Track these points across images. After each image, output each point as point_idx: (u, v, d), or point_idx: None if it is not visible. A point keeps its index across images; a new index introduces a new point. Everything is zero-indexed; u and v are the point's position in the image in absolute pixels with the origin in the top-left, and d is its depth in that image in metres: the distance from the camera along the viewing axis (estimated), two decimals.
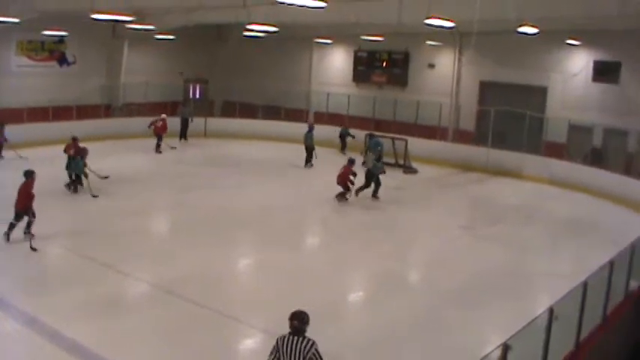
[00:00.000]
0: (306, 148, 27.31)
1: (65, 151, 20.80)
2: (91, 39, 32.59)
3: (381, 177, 21.89)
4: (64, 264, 15.06)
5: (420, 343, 11.55)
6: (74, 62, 32.76)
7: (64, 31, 30.50)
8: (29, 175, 15.77)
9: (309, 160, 27.15)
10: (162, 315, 12.22)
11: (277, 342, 7.61)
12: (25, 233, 15.43)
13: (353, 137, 30.80)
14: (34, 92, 29.40)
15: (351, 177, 21.07)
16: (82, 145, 20.74)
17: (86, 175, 20.20)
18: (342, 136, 31.26)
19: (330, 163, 25.45)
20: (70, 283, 13.47)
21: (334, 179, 21.05)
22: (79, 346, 10.59)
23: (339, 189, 21.04)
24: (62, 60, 32.44)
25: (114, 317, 11.89)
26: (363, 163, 28.11)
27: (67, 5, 24.65)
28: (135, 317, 12.23)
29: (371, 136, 28.02)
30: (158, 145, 28.56)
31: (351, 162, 21.61)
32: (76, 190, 20.30)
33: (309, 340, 7.47)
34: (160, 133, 28.58)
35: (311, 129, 27.53)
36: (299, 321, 7.62)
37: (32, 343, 10.73)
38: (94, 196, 19.78)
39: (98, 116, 31.25)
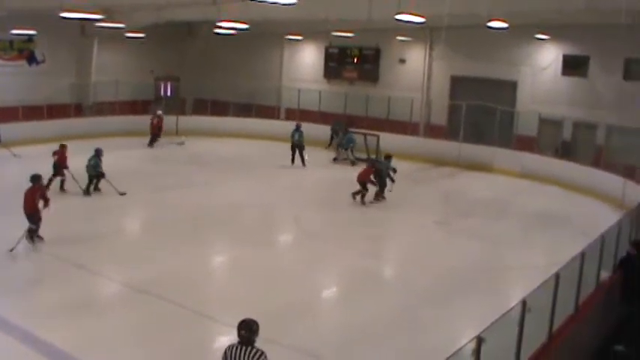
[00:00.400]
0: (294, 147, 26.75)
1: (53, 154, 20.66)
2: (60, 37, 32.19)
3: (353, 170, 22.10)
4: (37, 265, 14.94)
5: (395, 341, 11.59)
6: (43, 61, 32.42)
7: (33, 29, 30.08)
8: (35, 180, 15.60)
9: (301, 158, 26.65)
10: (137, 315, 12.18)
11: (225, 352, 7.16)
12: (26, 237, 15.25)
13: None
14: (3, 92, 29.00)
15: (372, 177, 20.97)
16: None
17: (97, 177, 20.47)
18: (335, 132, 31.05)
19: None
20: (43, 284, 13.43)
21: (307, 176, 21.08)
22: (54, 348, 10.52)
23: (311, 187, 21.05)
24: (31, 59, 32.09)
25: (88, 318, 11.83)
26: (335, 160, 28.24)
27: (35, 3, 24.41)
28: (109, 318, 12.17)
29: (345, 131, 28.17)
30: (152, 141, 29.58)
31: (372, 162, 22.08)
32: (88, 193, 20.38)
33: (257, 350, 7.05)
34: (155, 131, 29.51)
35: (299, 127, 27.18)
36: (247, 330, 7.13)
37: (6, 345, 10.64)
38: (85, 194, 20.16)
39: (68, 115, 30.96)
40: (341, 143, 28.60)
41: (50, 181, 20.04)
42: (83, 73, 33.86)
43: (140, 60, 36.41)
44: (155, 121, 29.08)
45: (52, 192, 19.56)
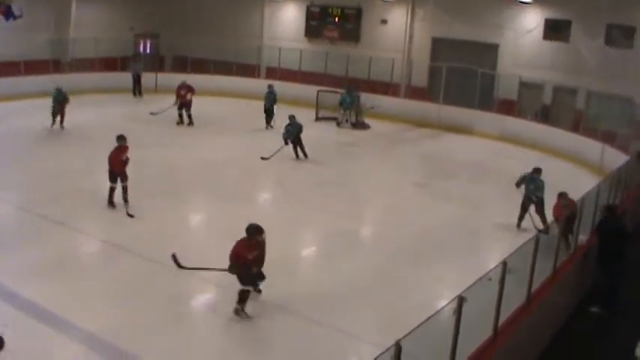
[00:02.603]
0: (267, 111, 26.46)
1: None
2: None
3: (336, 131, 22.03)
4: (16, 223, 14.90)
5: (375, 300, 11.70)
6: (21, 16, 31.65)
7: None
8: (121, 140, 15.92)
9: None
10: (118, 272, 12.22)
11: None
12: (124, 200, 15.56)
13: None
14: None
15: None
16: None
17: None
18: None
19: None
20: (23, 241, 13.35)
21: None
22: (35, 306, 10.54)
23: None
24: (8, 14, 31.22)
25: (69, 275, 11.85)
26: (339, 124, 28.09)
27: None
28: (90, 274, 12.21)
29: (350, 92, 28.12)
30: (180, 116, 26.08)
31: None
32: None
33: None
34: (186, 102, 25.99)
35: (271, 88, 26.90)
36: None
37: None
38: None
39: (47, 72, 30.53)
40: (343, 103, 28.32)
41: None
42: (62, 28, 33.24)
43: (119, 16, 35.79)
44: (183, 93, 26.07)
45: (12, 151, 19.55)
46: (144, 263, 12.58)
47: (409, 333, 6.33)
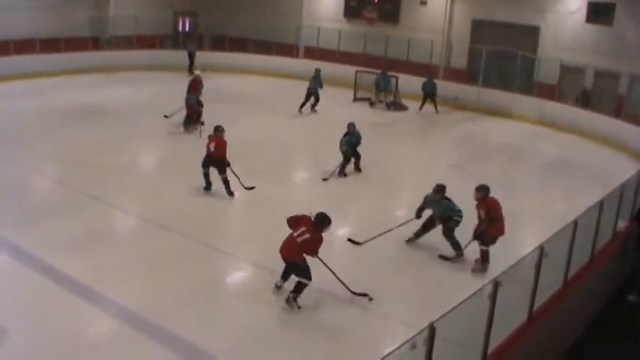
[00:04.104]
0: (309, 94, 25.81)
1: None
2: None
3: (371, 112, 21.72)
4: (53, 196, 15.09)
5: (409, 281, 11.67)
6: None
7: None
8: (218, 131, 15.66)
9: (312, 104, 25.63)
10: (153, 248, 12.30)
11: None
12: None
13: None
14: (21, 25, 28.47)
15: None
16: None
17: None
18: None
19: (326, 99, 25.44)
20: (59, 215, 13.50)
21: (326, 115, 20.85)
22: (69, 279, 10.66)
23: (329, 125, 20.86)
24: None
25: (104, 249, 11.97)
26: (372, 104, 28.01)
27: None
28: (124, 249, 12.32)
29: (384, 74, 28.00)
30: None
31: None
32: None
33: None
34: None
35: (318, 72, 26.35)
36: None
37: (21, 274, 10.77)
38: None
39: (86, 49, 30.81)
40: (378, 85, 28.22)
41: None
42: (101, 6, 33.42)
43: None
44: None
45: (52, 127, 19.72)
46: (179, 239, 12.63)
47: (443, 315, 6.29)
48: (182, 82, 28.86)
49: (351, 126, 18.17)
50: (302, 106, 25.49)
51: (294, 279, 10.35)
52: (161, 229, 13.06)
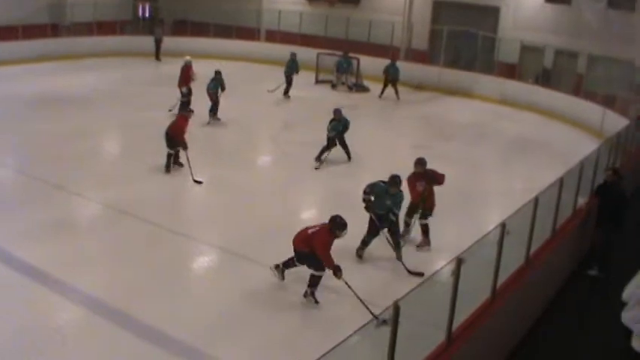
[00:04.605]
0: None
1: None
2: None
3: (333, 94, 21.69)
4: (15, 186, 14.90)
5: (373, 261, 11.72)
6: None
7: None
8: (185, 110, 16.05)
9: (285, 90, 25.39)
10: (117, 235, 12.25)
11: None
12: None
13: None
14: None
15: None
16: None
17: None
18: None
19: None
20: (21, 205, 13.38)
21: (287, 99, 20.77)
22: (34, 268, 10.59)
23: (291, 108, 20.82)
24: None
25: (68, 238, 11.90)
26: (334, 86, 28.04)
27: None
28: (89, 237, 12.27)
29: (346, 56, 28.00)
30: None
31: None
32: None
33: None
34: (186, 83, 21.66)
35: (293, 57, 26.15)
36: None
37: None
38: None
39: (45, 36, 30.39)
40: (340, 68, 28.21)
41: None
42: None
43: None
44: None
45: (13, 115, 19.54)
46: (143, 225, 12.60)
47: (407, 294, 6.35)
48: (144, 68, 28.82)
49: (337, 112, 17.60)
50: (286, 92, 25.32)
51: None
52: (125, 215, 13.00)
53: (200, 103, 20.12)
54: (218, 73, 20.78)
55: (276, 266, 10.48)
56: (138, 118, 20.39)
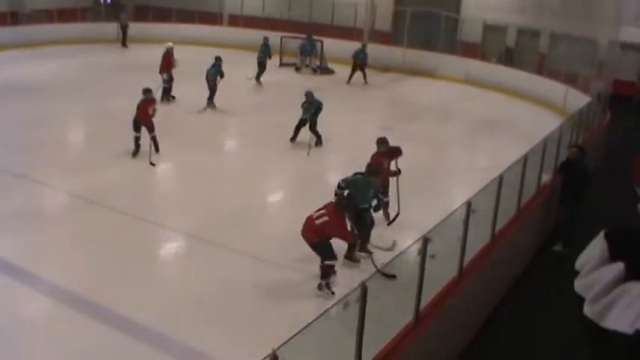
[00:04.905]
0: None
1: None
2: None
3: (298, 77, 21.72)
4: None
5: (342, 244, 11.75)
6: None
7: None
8: (148, 92, 15.91)
9: (257, 75, 25.13)
10: (84, 224, 12.13)
11: None
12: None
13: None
14: None
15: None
16: None
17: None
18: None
19: (252, 66, 25.19)
20: None
21: (252, 81, 20.66)
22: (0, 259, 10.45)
23: (256, 92, 20.75)
24: None
25: (34, 228, 11.73)
26: (298, 69, 28.00)
27: None
28: (56, 227, 12.11)
29: (309, 39, 27.94)
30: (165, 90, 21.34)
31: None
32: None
33: None
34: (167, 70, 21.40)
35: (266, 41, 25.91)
36: None
37: None
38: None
39: (5, 24, 29.92)
40: (304, 51, 28.18)
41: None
42: None
43: None
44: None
45: None
46: (109, 214, 12.50)
47: (373, 274, 6.40)
48: (107, 55, 28.50)
49: (309, 95, 17.49)
50: (258, 76, 25.09)
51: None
52: (91, 204, 12.88)
53: (183, 89, 20.10)
54: (218, 59, 20.74)
55: (319, 287, 9.81)
56: (101, 106, 20.16)
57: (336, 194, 10.69)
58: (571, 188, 11.88)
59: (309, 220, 9.84)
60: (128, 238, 11.54)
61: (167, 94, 20.68)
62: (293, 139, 17.47)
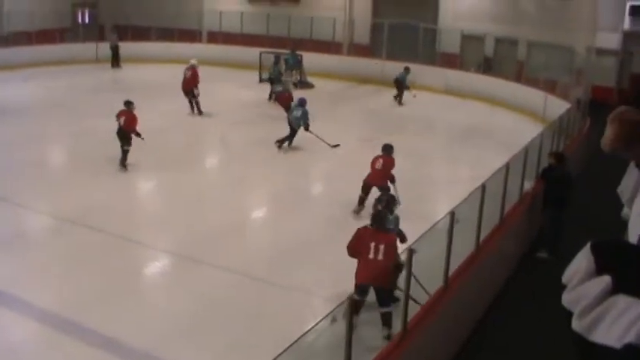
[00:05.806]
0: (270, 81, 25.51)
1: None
2: None
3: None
4: None
5: (326, 255, 11.74)
6: None
7: None
8: (129, 105, 16.34)
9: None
10: (67, 245, 12.02)
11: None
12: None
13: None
14: None
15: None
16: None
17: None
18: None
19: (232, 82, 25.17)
20: None
21: (231, 98, 20.71)
22: None
23: (235, 108, 20.78)
24: None
25: (16, 252, 11.59)
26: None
27: None
28: (38, 250, 11.96)
29: (292, 53, 27.98)
30: (192, 103, 22.29)
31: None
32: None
33: None
34: (190, 86, 22.09)
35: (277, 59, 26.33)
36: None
37: None
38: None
39: None
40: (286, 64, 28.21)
41: None
42: None
43: None
44: (189, 75, 22.24)
45: None
46: (92, 234, 12.42)
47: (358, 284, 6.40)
48: (87, 76, 28.42)
49: (304, 101, 18.60)
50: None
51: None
52: (74, 225, 12.79)
53: (163, 107, 20.05)
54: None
55: (388, 337, 8.40)
56: (82, 126, 20.09)
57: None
58: (553, 195, 11.95)
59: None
60: (113, 259, 11.46)
61: (198, 107, 21.90)
62: (289, 144, 18.29)
